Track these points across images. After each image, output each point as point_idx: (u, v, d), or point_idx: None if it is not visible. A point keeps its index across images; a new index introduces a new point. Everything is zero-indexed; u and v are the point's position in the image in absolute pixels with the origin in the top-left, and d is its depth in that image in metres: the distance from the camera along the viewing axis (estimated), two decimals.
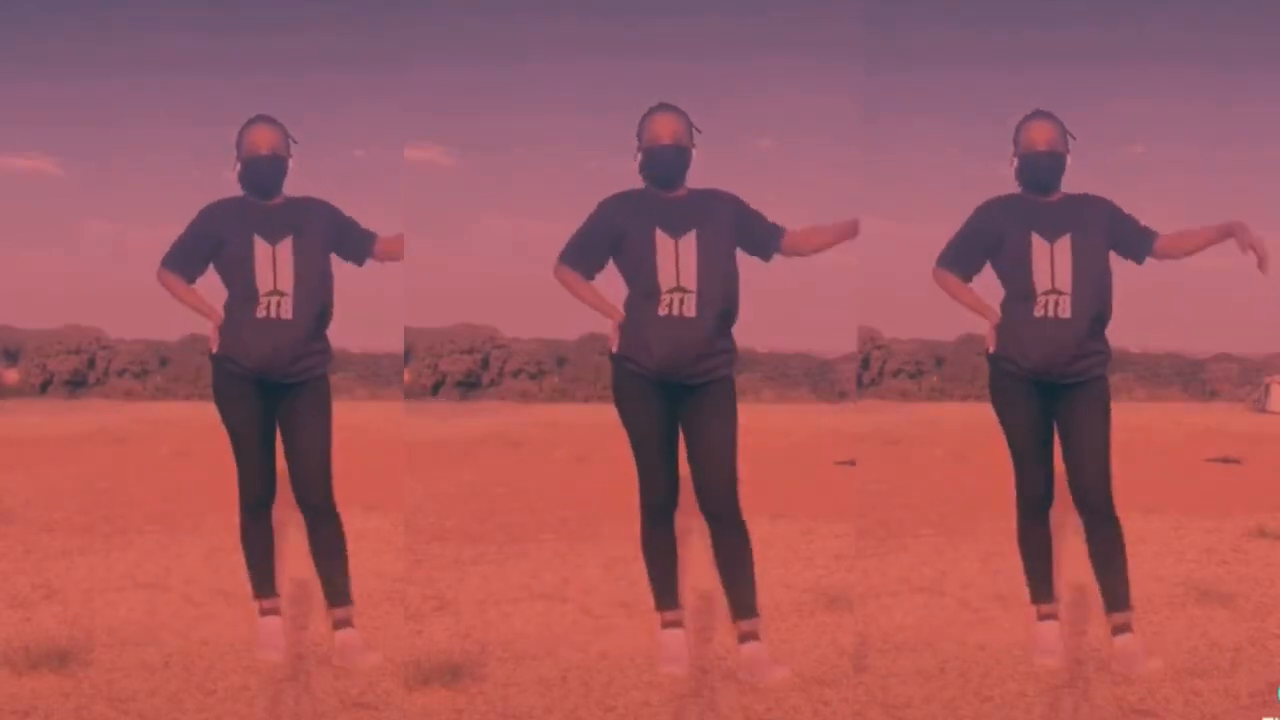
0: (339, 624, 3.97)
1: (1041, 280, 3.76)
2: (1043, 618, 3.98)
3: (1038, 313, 3.76)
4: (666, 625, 3.87)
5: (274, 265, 3.78)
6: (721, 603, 3.92)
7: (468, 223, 20.83)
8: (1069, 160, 3.86)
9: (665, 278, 3.64)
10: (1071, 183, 3.93)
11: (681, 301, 3.63)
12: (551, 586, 4.93)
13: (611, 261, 3.81)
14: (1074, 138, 3.87)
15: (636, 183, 3.84)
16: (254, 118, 3.88)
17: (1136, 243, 3.85)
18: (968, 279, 3.92)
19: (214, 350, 3.84)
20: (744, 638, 3.76)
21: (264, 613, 4.04)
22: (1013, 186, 3.93)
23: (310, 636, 4.25)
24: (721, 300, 3.66)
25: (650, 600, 3.92)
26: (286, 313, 3.77)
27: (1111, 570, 3.84)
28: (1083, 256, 3.75)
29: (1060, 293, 3.74)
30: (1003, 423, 3.94)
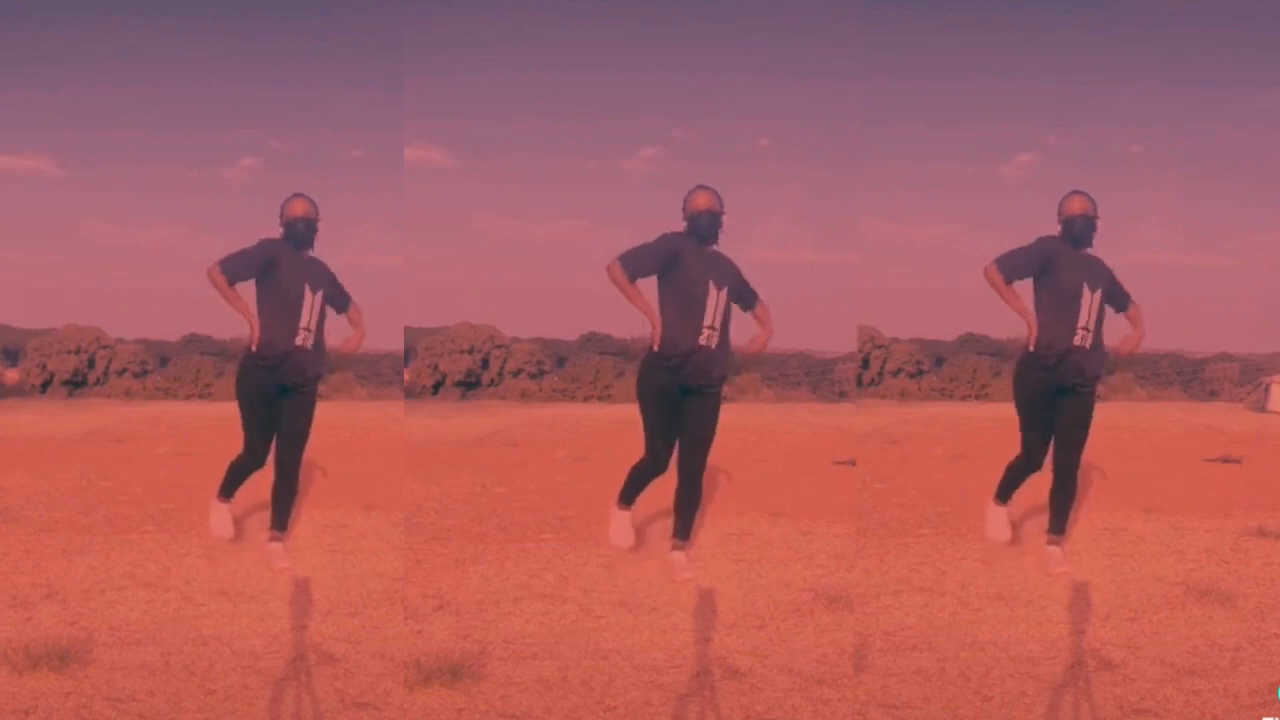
0: (272, 539, 5.24)
1: (1083, 319, 5.05)
2: (998, 505, 5.48)
3: (1076, 341, 5.04)
4: (621, 510, 5.34)
5: (311, 309, 5.11)
6: (721, 604, 4.63)
7: (467, 223, 20.81)
8: (1098, 223, 5.12)
9: (709, 318, 4.96)
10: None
11: (712, 337, 4.97)
12: (551, 586, 4.93)
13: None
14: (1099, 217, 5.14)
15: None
16: (294, 194, 5.14)
17: (1120, 301, 5.21)
18: (1009, 283, 5.08)
19: (252, 349, 5.02)
20: (675, 548, 5.18)
21: (222, 501, 5.43)
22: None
23: (310, 637, 4.25)
24: (728, 339, 5.05)
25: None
26: (309, 343, 5.11)
27: (1060, 508, 5.23)
28: (1103, 307, 5.10)
29: (1089, 330, 5.05)
30: (1021, 409, 5.18)
